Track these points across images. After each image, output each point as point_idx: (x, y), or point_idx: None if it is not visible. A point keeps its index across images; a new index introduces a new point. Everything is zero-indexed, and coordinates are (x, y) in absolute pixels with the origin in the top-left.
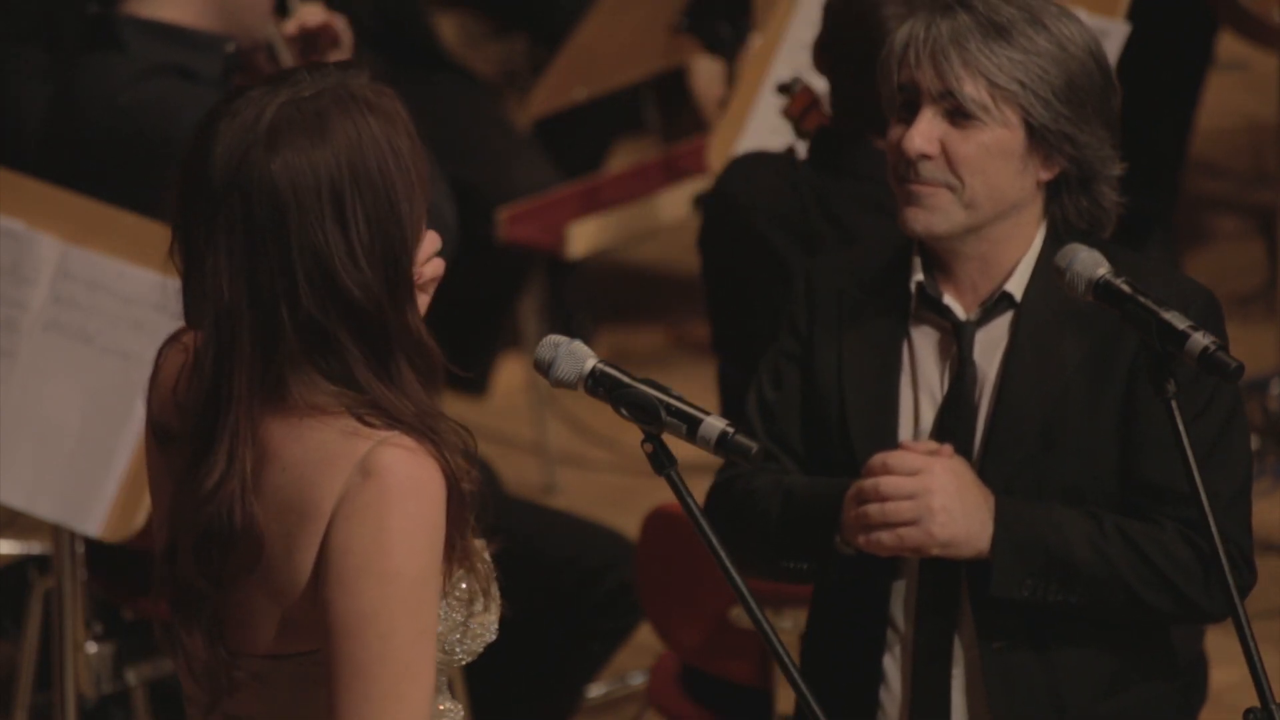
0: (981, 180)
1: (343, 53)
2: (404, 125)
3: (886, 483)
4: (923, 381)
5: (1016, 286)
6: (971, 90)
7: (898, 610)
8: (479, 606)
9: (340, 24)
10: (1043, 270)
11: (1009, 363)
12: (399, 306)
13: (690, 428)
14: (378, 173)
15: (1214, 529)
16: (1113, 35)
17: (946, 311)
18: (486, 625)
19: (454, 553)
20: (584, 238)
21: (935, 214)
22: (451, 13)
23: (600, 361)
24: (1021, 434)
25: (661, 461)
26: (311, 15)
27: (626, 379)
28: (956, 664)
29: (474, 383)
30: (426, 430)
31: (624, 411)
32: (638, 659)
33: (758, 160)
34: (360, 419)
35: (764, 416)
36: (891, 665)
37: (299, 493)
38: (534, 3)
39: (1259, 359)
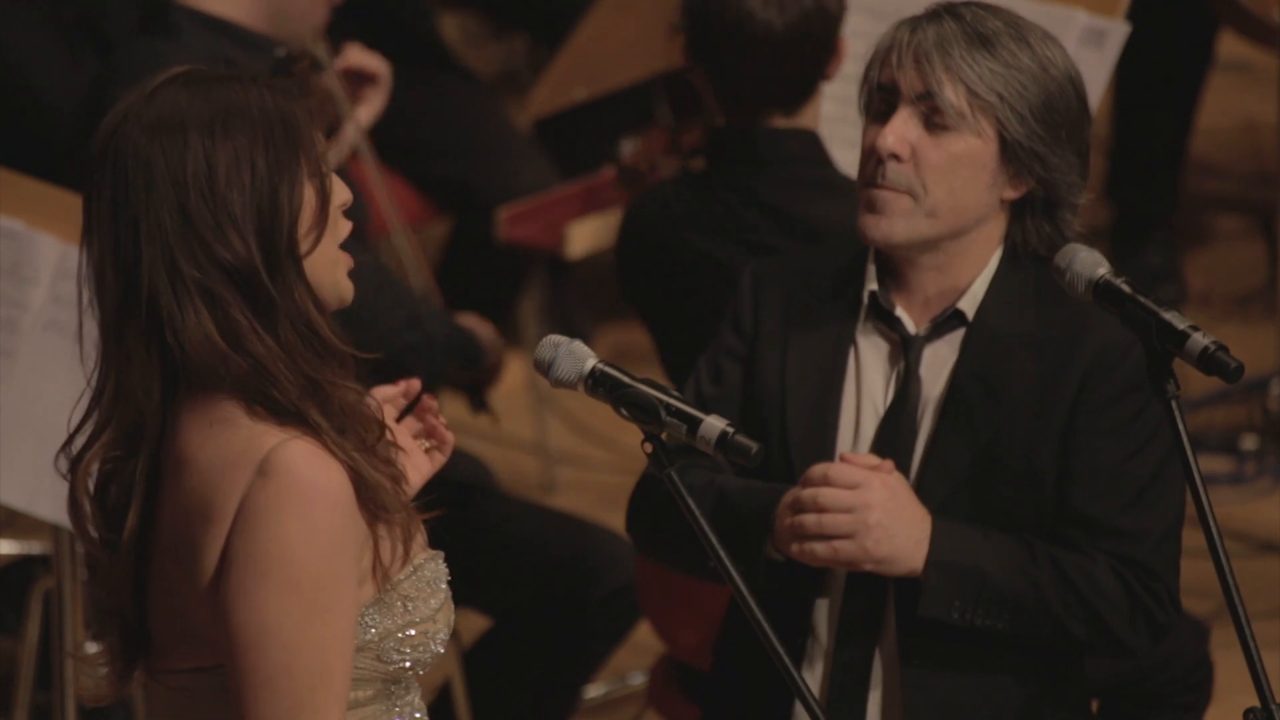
0: (947, 190)
1: (380, 92)
2: (296, 123)
3: (825, 494)
4: (866, 392)
5: (969, 305)
6: (951, 95)
7: (821, 622)
8: (417, 606)
9: (380, 66)
10: (996, 291)
11: (954, 382)
12: (277, 280)
13: (690, 428)
14: (260, 149)
15: (1214, 530)
16: (1113, 35)
17: (897, 323)
18: (431, 635)
19: (376, 528)
20: (584, 238)
21: (896, 221)
22: (451, 13)
23: (600, 361)
24: (961, 454)
25: (661, 461)
26: (356, 55)
27: (626, 379)
28: (875, 681)
29: (483, 399)
30: (314, 407)
31: (624, 411)
32: (638, 659)
33: (660, 188)
34: (250, 409)
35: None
36: (810, 677)
37: (204, 495)
38: (534, 3)
39: (1259, 359)
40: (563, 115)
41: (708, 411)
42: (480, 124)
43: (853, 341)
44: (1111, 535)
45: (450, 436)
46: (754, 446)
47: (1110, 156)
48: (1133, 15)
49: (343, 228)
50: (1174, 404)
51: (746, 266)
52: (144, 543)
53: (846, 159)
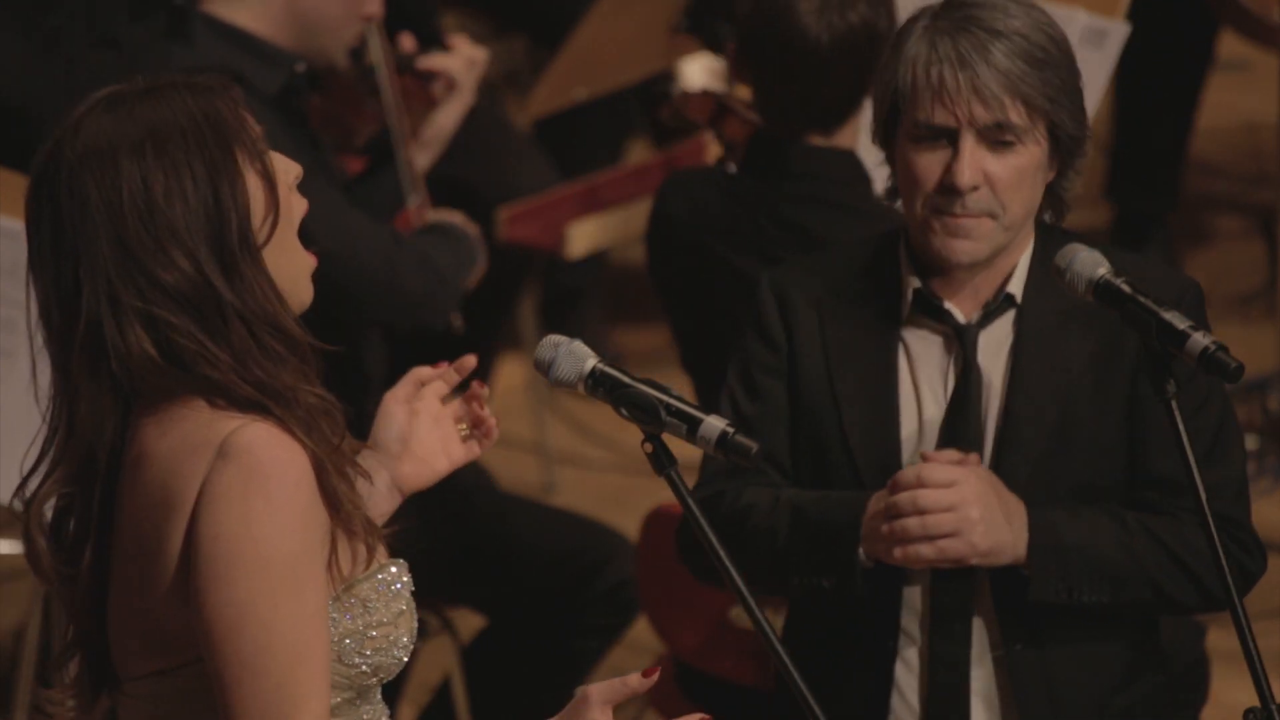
0: (1019, 201)
1: (462, 97)
2: (224, 120)
3: (925, 496)
4: (925, 387)
5: (1017, 287)
6: (1015, 118)
7: (910, 620)
8: (377, 609)
9: (457, 69)
10: (1038, 268)
11: (1016, 363)
12: (235, 280)
13: (690, 428)
14: (195, 157)
15: (1209, 521)
16: (1113, 35)
17: (946, 316)
18: (393, 640)
19: (335, 527)
20: (584, 238)
21: (980, 243)
22: (451, 13)
23: (600, 361)
24: (1033, 435)
25: (661, 461)
26: (436, 60)
27: (626, 379)
28: (975, 669)
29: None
30: (274, 406)
31: (624, 411)
32: (638, 659)
33: (692, 178)
34: (211, 402)
35: (743, 431)
36: (905, 674)
37: (164, 484)
38: (534, 3)
39: (1259, 359)
40: (563, 115)
41: (753, 431)
42: (480, 124)
43: (899, 339)
44: (1192, 493)
45: (495, 429)
46: (754, 446)
47: (1110, 156)
48: (1133, 15)
49: (297, 205)
50: (1174, 404)
51: (762, 277)
52: (103, 567)
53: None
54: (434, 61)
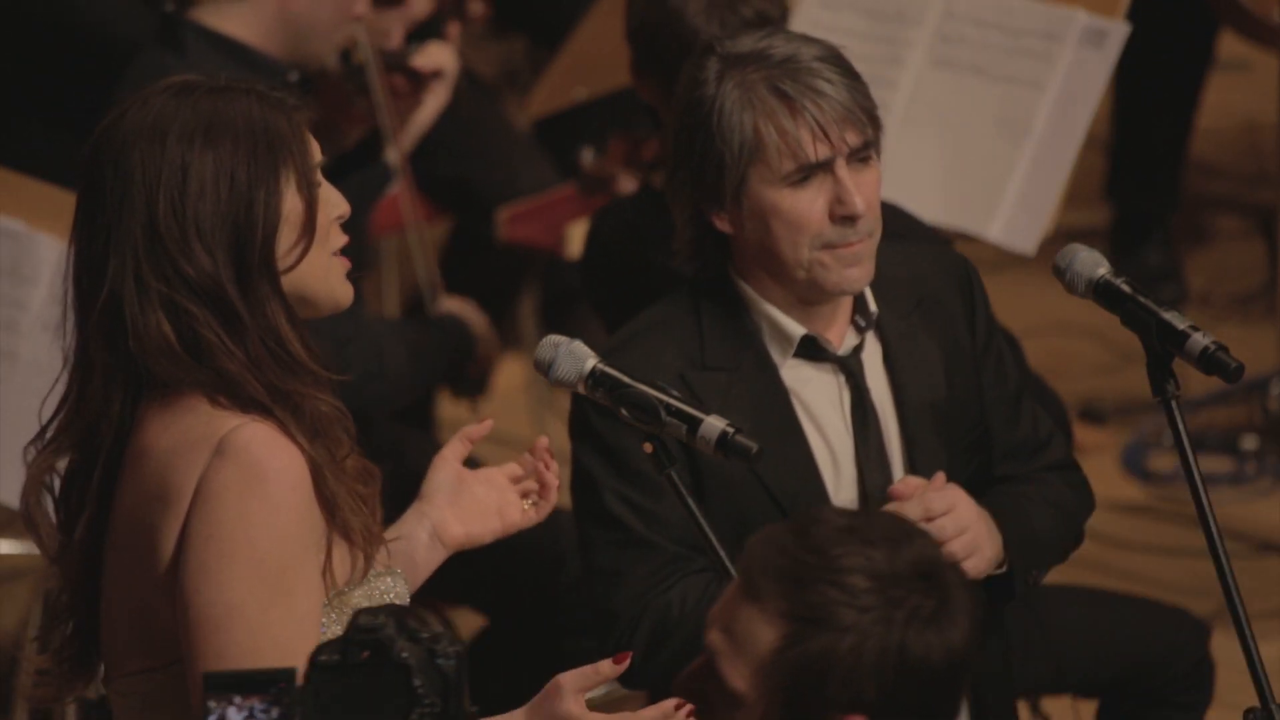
0: (879, 211)
1: (444, 84)
2: (281, 136)
3: (942, 525)
4: (825, 425)
5: (872, 302)
6: (870, 132)
7: None
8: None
9: (446, 61)
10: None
11: (894, 378)
12: (248, 294)
13: (690, 428)
14: (240, 161)
15: (1214, 530)
16: (1113, 35)
17: (823, 353)
18: None
19: (332, 533)
20: (584, 238)
21: (869, 265)
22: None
23: (600, 361)
24: (933, 442)
25: (661, 462)
26: (426, 57)
27: (626, 379)
28: None
29: (474, 382)
30: (279, 408)
31: (624, 411)
32: None
33: (621, 209)
34: (213, 400)
35: (657, 529)
36: None
37: (162, 479)
38: (534, 3)
39: (1259, 359)
40: (563, 115)
41: (669, 524)
42: (480, 124)
43: (785, 389)
44: (1039, 451)
45: (555, 491)
46: (754, 446)
47: (1110, 156)
48: (1133, 15)
49: (336, 239)
50: (1174, 404)
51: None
52: (96, 547)
53: None
54: (427, 58)
